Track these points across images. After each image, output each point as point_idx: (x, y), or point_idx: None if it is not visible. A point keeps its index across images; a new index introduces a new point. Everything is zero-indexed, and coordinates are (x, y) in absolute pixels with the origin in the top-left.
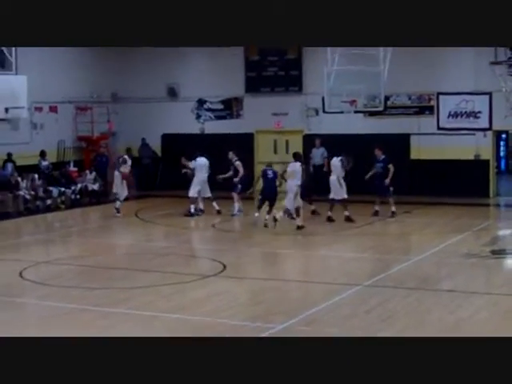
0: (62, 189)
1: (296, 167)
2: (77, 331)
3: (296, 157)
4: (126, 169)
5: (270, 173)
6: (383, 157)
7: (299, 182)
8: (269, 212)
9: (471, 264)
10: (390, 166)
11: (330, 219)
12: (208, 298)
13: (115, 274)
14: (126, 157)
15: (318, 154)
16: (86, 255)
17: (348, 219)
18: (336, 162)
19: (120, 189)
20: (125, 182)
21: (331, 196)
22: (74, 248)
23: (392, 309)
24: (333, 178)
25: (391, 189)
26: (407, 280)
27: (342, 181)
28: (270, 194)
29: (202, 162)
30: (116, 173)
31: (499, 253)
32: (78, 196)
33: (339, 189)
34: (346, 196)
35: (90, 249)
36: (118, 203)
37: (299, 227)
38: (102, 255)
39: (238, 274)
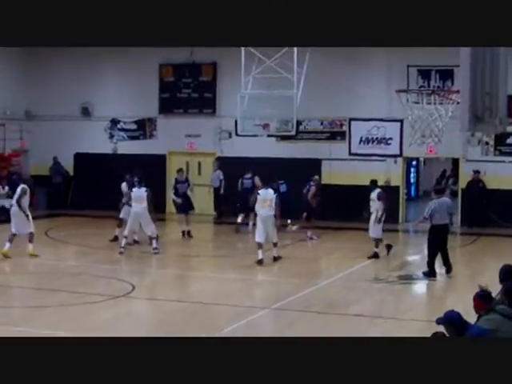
0: None
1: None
2: None
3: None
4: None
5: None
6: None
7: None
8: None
9: (378, 289)
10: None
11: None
12: (116, 319)
13: (22, 293)
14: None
15: (214, 177)
16: None
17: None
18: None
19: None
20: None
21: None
22: None
23: (299, 332)
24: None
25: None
26: (314, 304)
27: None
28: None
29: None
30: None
31: (406, 278)
32: None
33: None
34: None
35: None
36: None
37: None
38: (10, 274)
39: (146, 295)
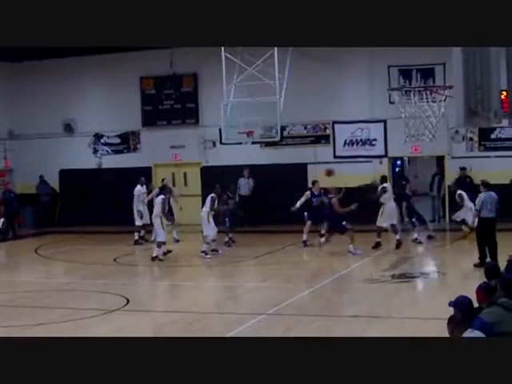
0: None
1: None
2: None
3: None
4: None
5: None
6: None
7: None
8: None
9: (373, 289)
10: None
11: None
12: (112, 333)
13: (14, 312)
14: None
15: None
16: None
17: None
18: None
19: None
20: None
21: (389, 222)
22: None
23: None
24: (393, 204)
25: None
26: (310, 307)
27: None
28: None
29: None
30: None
31: (399, 277)
32: None
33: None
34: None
35: None
36: (204, 245)
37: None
38: (1, 293)
39: (141, 307)
